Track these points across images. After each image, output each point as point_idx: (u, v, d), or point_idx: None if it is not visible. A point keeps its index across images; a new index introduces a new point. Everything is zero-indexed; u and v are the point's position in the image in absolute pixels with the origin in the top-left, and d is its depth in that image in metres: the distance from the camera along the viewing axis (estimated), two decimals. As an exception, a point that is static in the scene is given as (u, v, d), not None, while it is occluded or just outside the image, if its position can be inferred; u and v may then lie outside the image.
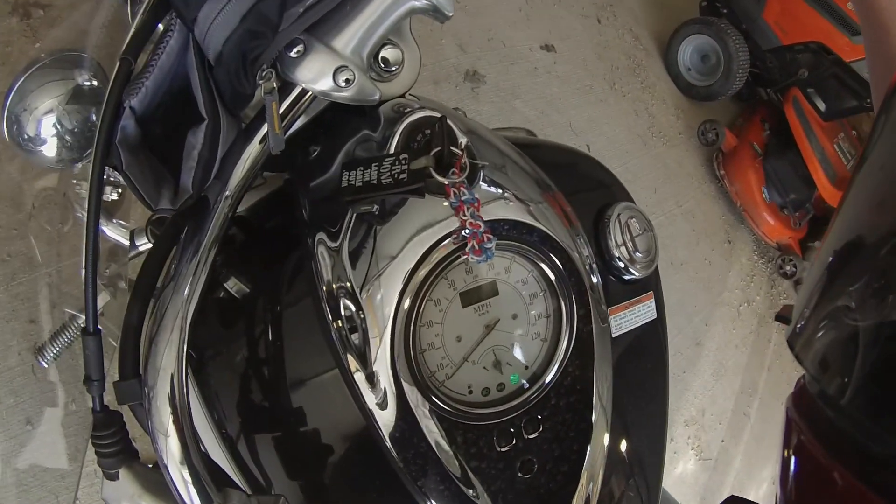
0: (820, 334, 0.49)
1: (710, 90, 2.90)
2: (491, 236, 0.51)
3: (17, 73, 0.63)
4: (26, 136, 0.64)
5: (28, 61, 0.63)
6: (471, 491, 0.54)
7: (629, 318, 0.69)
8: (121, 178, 0.50)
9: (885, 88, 0.72)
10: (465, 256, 0.51)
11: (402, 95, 0.62)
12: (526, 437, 0.56)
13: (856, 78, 2.47)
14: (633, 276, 0.68)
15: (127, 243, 0.71)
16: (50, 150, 0.66)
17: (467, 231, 0.50)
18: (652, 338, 0.72)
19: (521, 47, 2.77)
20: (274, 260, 0.64)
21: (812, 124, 2.60)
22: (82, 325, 0.51)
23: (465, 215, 0.50)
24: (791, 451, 0.50)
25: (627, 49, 3.00)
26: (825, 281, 0.49)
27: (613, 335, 0.67)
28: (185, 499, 0.45)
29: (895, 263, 0.42)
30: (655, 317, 0.71)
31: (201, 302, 0.54)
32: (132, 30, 0.49)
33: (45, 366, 0.81)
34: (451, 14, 0.56)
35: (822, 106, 2.58)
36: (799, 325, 0.51)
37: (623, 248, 0.67)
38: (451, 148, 0.53)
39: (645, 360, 0.72)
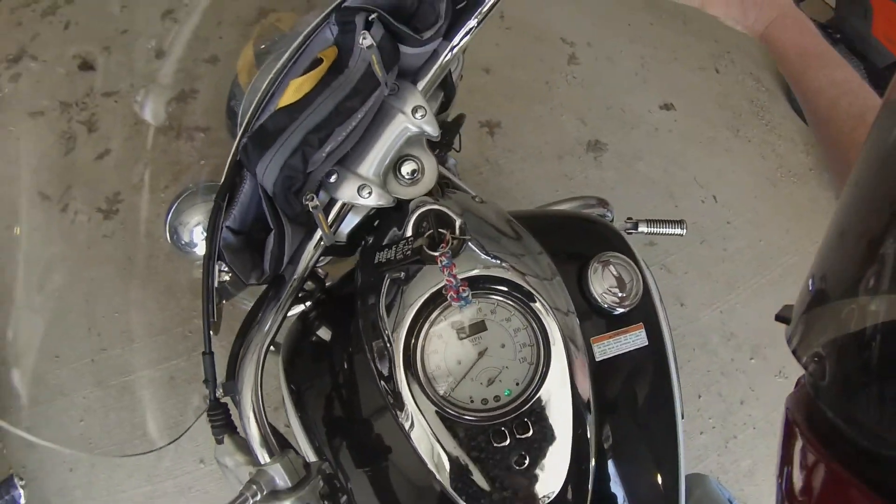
0: (819, 334, 0.49)
1: (837, 121, 2.84)
2: (466, 288, 0.73)
3: (174, 196, 0.95)
4: (183, 242, 0.94)
5: (180, 190, 0.94)
6: (473, 477, 0.75)
7: (614, 345, 0.85)
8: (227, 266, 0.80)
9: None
10: (450, 302, 0.74)
11: (430, 193, 0.88)
12: (518, 436, 0.75)
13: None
14: (619, 312, 0.86)
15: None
16: (201, 250, 0.96)
17: (448, 285, 0.73)
18: (646, 360, 0.87)
19: (640, 110, 2.92)
20: (347, 317, 0.90)
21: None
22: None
23: (445, 275, 0.73)
24: (791, 451, 0.51)
25: (749, 93, 3.03)
26: (824, 280, 0.50)
27: (599, 359, 0.84)
28: (258, 454, 0.72)
29: (894, 263, 0.41)
30: (646, 344, 0.87)
31: (298, 346, 0.85)
32: (222, 180, 0.79)
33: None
34: (436, 135, 0.81)
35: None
36: (799, 325, 0.52)
37: (604, 293, 0.85)
38: (440, 230, 0.77)
39: (640, 378, 0.87)
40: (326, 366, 0.90)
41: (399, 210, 0.85)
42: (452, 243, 0.76)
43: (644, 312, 0.88)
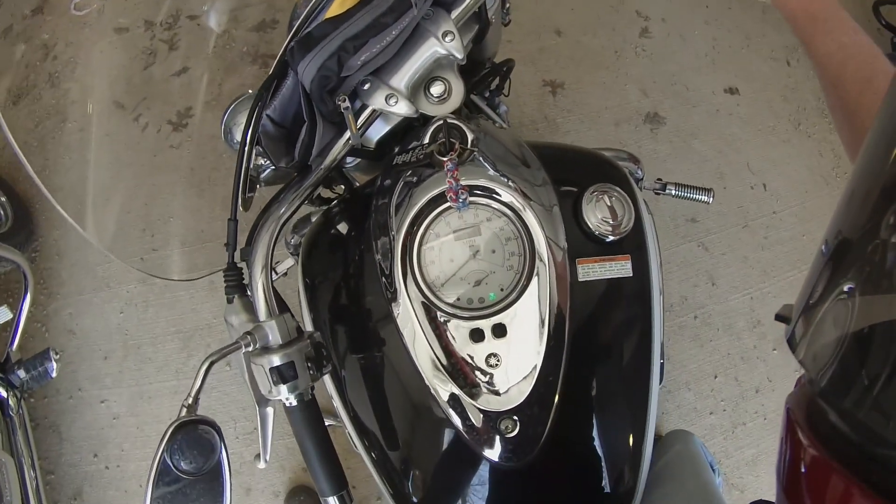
0: (819, 334, 0.50)
1: (902, 127, 2.78)
2: (465, 192, 0.82)
3: (230, 101, 1.05)
4: (235, 141, 1.05)
5: (235, 96, 1.05)
6: (449, 370, 0.84)
7: (598, 269, 0.91)
8: (262, 147, 0.92)
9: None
10: (449, 203, 0.83)
11: (456, 112, 0.96)
12: (494, 338, 0.84)
13: None
14: (609, 240, 0.92)
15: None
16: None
17: (448, 186, 0.82)
18: (629, 291, 0.93)
19: (704, 91, 2.92)
20: (366, 215, 1.00)
21: None
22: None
23: (447, 177, 0.82)
24: (791, 451, 0.51)
25: (817, 90, 2.96)
26: (824, 280, 0.50)
27: (581, 279, 0.91)
28: (259, 313, 0.82)
29: (894, 263, 0.42)
30: (631, 275, 0.92)
31: (319, 238, 0.97)
32: (270, 72, 0.90)
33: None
34: (460, 57, 0.90)
35: None
36: (798, 325, 0.52)
37: (594, 220, 0.91)
38: (451, 139, 0.86)
39: (619, 308, 0.93)
40: (340, 258, 1.00)
41: (424, 124, 0.94)
42: (462, 152, 0.85)
43: (633, 246, 0.94)
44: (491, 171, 0.87)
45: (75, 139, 2.67)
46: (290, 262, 1.25)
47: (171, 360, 2.37)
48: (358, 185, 1.08)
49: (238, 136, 1.04)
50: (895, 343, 0.42)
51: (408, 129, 1.01)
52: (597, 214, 0.92)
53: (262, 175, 1.02)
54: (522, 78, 2.89)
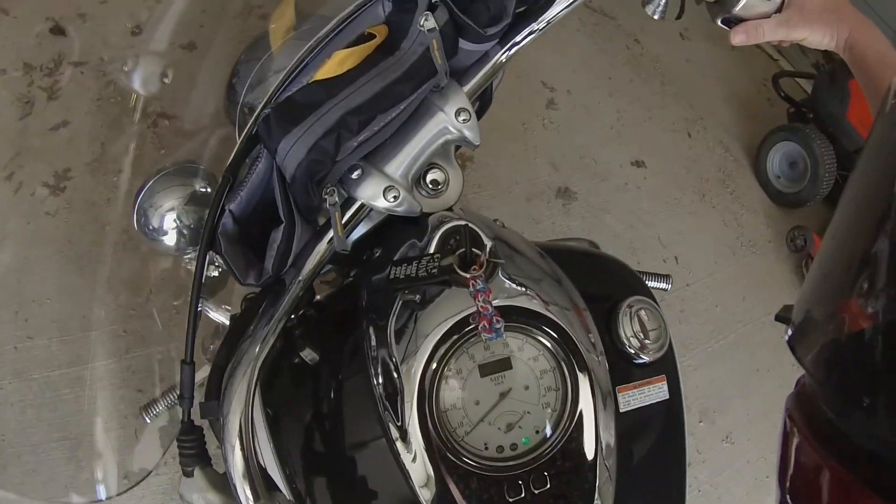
0: (819, 334, 0.49)
1: (798, 196, 2.91)
2: (500, 318, 0.63)
3: (147, 175, 0.82)
4: (151, 228, 0.82)
5: (157, 168, 0.82)
6: None
7: (638, 396, 0.78)
8: (220, 260, 0.68)
9: None
10: (480, 334, 0.64)
11: (451, 209, 0.79)
12: (534, 490, 0.66)
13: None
14: (643, 360, 0.78)
15: (227, 323, 0.89)
16: (170, 240, 0.84)
17: (480, 313, 0.64)
18: (664, 414, 0.80)
19: (612, 164, 2.92)
20: (341, 337, 0.80)
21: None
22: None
23: (478, 301, 0.64)
24: (790, 451, 0.50)
25: (717, 161, 3.08)
26: (824, 280, 0.50)
27: (622, 410, 0.76)
28: (241, 496, 0.60)
29: (894, 264, 0.41)
30: (668, 397, 0.80)
31: (277, 366, 0.72)
32: (232, 154, 0.68)
33: (148, 421, 0.98)
34: (478, 144, 0.73)
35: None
36: (798, 325, 0.51)
37: (632, 337, 0.78)
38: (474, 249, 0.68)
39: (658, 433, 0.80)
40: (310, 390, 0.78)
41: (416, 223, 0.76)
42: (487, 266, 0.67)
43: (666, 364, 0.81)
44: (516, 287, 0.69)
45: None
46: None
47: (58, 473, 1.97)
48: (325, 296, 0.87)
49: (155, 222, 0.82)
50: (895, 343, 0.41)
51: (389, 225, 0.81)
52: (635, 332, 0.77)
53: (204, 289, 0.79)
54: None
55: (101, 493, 0.87)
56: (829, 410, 0.46)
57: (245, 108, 0.90)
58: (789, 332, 0.52)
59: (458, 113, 0.71)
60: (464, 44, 0.70)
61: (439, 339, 0.66)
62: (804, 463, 0.49)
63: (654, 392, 0.79)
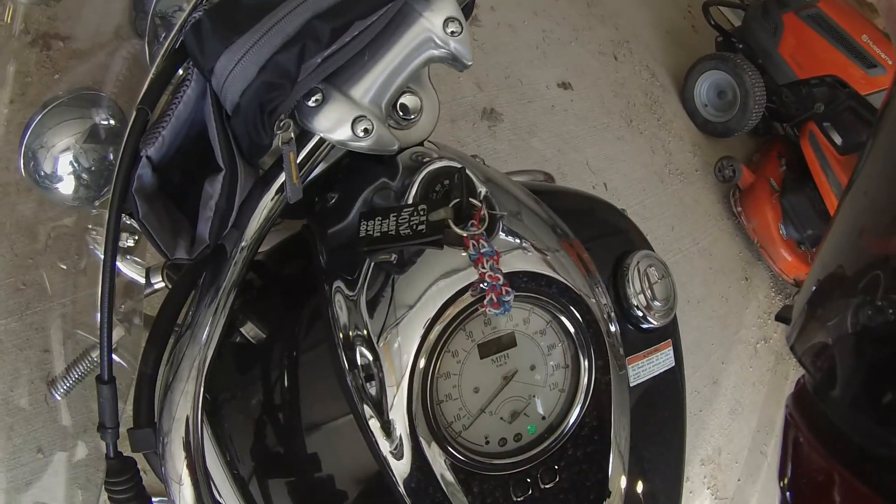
0: (819, 335, 0.50)
1: (726, 126, 2.90)
2: (509, 289, 0.50)
3: (35, 109, 0.63)
4: (43, 173, 0.63)
5: (46, 98, 0.63)
6: None
7: (647, 367, 0.68)
8: (137, 225, 0.50)
9: None
10: (484, 309, 0.50)
11: (421, 143, 0.63)
12: (542, 486, 0.55)
13: (872, 111, 2.46)
14: (652, 325, 0.68)
15: (142, 280, 0.71)
16: (67, 188, 0.65)
17: (486, 284, 0.49)
18: (670, 385, 0.71)
19: (539, 85, 2.79)
20: (291, 306, 0.65)
21: (829, 159, 2.58)
22: (95, 365, 0.51)
23: (483, 268, 0.49)
24: (791, 451, 0.51)
25: (644, 86, 3.01)
26: (824, 282, 0.50)
27: (631, 384, 0.66)
28: None
29: (893, 266, 0.42)
30: (674, 364, 0.70)
31: (218, 346, 0.55)
32: (149, 78, 0.49)
33: (58, 398, 0.80)
34: (470, 63, 0.57)
35: (838, 140, 2.56)
36: (799, 326, 0.52)
37: (641, 297, 0.67)
38: (471, 199, 0.53)
39: (663, 407, 0.71)
40: (257, 374, 0.63)
41: (382, 162, 0.60)
42: (486, 220, 0.53)
43: (673, 328, 0.71)
44: (524, 247, 0.56)
45: None
46: (119, 331, 0.82)
47: None
48: (266, 252, 0.70)
49: (48, 167, 0.63)
50: (894, 344, 0.41)
51: (346, 163, 0.65)
52: (646, 292, 0.65)
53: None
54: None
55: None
56: (828, 410, 0.46)
57: (158, 16, 0.69)
58: (789, 332, 0.53)
59: (446, 23, 0.54)
60: None
61: (432, 315, 0.52)
62: (804, 462, 0.49)
63: (662, 360, 0.70)
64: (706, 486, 2.40)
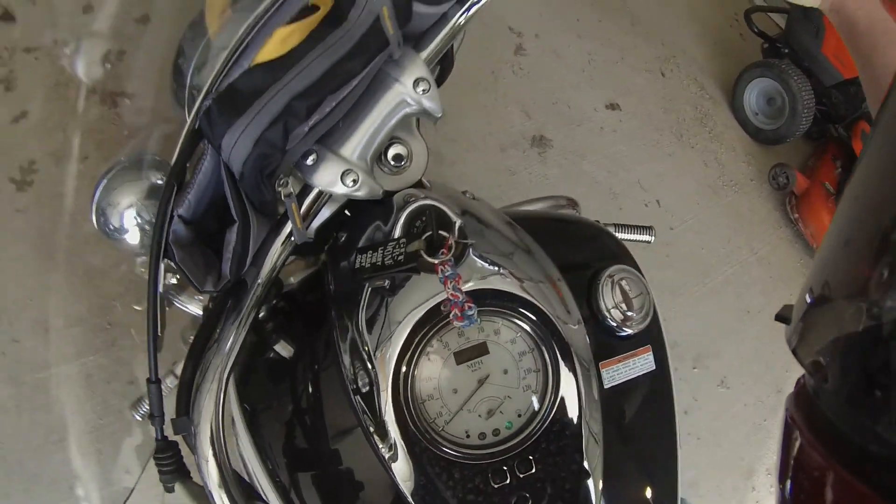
0: (819, 335, 0.49)
1: (778, 133, 2.88)
2: (472, 305, 0.60)
3: (107, 164, 0.77)
4: (112, 227, 0.77)
5: (110, 164, 0.77)
6: None
7: (623, 370, 0.76)
8: (175, 267, 0.63)
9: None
10: (451, 321, 0.61)
11: (419, 184, 0.74)
12: (519, 475, 0.64)
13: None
14: (627, 333, 0.76)
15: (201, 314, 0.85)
16: (133, 238, 0.78)
17: (451, 301, 0.60)
18: (653, 387, 0.78)
19: (586, 108, 2.86)
20: (312, 328, 0.76)
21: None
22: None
23: (448, 289, 0.60)
24: (790, 451, 0.51)
25: (693, 99, 3.03)
26: (824, 281, 0.50)
27: (608, 386, 0.74)
28: None
29: (892, 264, 0.41)
30: (654, 368, 0.77)
31: (252, 361, 0.68)
32: (175, 154, 0.63)
33: (139, 418, 0.95)
34: (439, 115, 0.68)
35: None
36: (798, 325, 0.51)
37: (614, 309, 0.75)
38: (440, 232, 0.64)
39: (648, 407, 0.78)
40: (287, 386, 0.76)
41: (381, 204, 0.71)
42: (455, 248, 0.63)
43: (652, 334, 0.79)
44: (489, 267, 0.66)
45: None
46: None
47: (61, 475, 1.93)
48: (287, 287, 0.83)
49: (115, 222, 0.77)
50: (893, 343, 0.41)
51: (353, 207, 0.77)
52: (617, 304, 0.74)
53: (172, 288, 0.75)
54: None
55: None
56: (828, 411, 0.46)
57: (193, 91, 0.84)
58: (789, 331, 0.53)
59: (416, 83, 0.66)
60: (419, 7, 0.64)
61: (411, 329, 0.63)
62: (804, 463, 0.49)
63: (640, 364, 0.77)
64: (772, 494, 2.37)
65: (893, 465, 0.41)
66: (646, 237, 1.16)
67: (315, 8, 0.61)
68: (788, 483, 0.51)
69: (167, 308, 0.72)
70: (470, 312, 0.60)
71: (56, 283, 1.89)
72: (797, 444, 0.49)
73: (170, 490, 0.61)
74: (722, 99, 3.07)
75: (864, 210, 0.47)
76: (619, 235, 1.14)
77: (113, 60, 1.92)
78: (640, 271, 0.80)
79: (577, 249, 0.82)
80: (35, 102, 2.04)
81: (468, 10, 0.69)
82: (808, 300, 0.50)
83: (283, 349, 0.76)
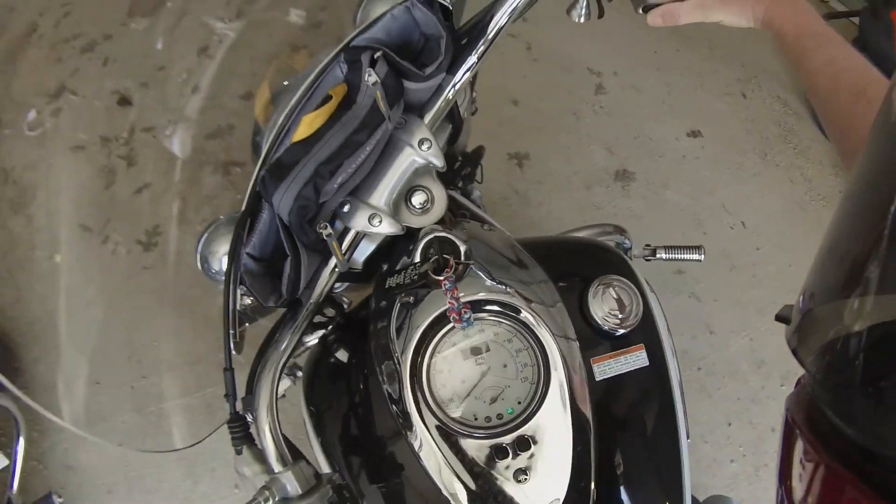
0: (819, 334, 0.50)
1: (865, 143, 2.81)
2: (468, 310, 0.78)
3: (204, 227, 1.00)
4: (213, 270, 0.99)
5: (211, 222, 0.99)
6: (476, 492, 0.79)
7: (614, 365, 0.88)
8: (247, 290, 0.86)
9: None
10: (453, 324, 0.78)
11: (441, 222, 0.92)
12: (518, 452, 0.79)
13: None
14: (616, 333, 0.89)
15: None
16: None
17: (450, 307, 0.78)
18: (648, 380, 0.90)
19: (668, 138, 2.95)
20: (363, 339, 0.95)
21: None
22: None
23: (448, 298, 0.77)
24: (791, 451, 0.52)
25: (776, 117, 3.03)
26: (823, 281, 0.50)
27: (599, 378, 0.87)
28: (272, 464, 0.79)
29: (892, 264, 0.42)
30: (647, 364, 0.89)
31: (318, 367, 0.94)
32: (242, 209, 0.85)
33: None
34: (440, 164, 0.87)
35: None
36: (798, 325, 0.52)
37: (602, 313, 0.88)
38: (444, 255, 0.82)
39: (646, 399, 0.90)
40: (343, 387, 0.95)
41: (411, 238, 0.90)
42: (456, 268, 0.81)
43: (645, 333, 0.91)
44: (489, 282, 0.83)
45: (46, 267, 2.58)
46: (286, 383, 1.19)
47: (178, 488, 2.25)
48: (349, 306, 1.03)
49: (216, 266, 1.00)
50: (895, 343, 0.42)
51: (394, 242, 0.96)
52: (604, 309, 0.88)
53: (250, 309, 0.97)
54: (487, 154, 2.84)
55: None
56: (829, 410, 0.47)
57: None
58: (789, 331, 0.54)
59: (420, 143, 0.85)
60: (411, 84, 0.84)
61: (423, 330, 0.81)
62: (805, 462, 0.49)
63: (632, 360, 0.89)
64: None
65: (893, 465, 0.41)
66: (695, 256, 1.27)
67: (330, 97, 0.82)
68: (789, 483, 0.52)
69: (248, 324, 0.94)
70: (466, 316, 0.78)
71: (180, 327, 2.22)
72: (797, 443, 0.51)
73: (238, 452, 0.81)
74: (805, 113, 3.04)
75: (861, 210, 0.47)
76: (668, 256, 1.27)
77: (223, 135, 2.25)
78: (635, 280, 0.93)
79: (578, 263, 0.97)
80: (155, 175, 2.40)
81: (455, 84, 0.87)
82: (808, 300, 0.51)
83: (342, 356, 0.97)
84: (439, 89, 0.88)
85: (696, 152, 2.92)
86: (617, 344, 0.90)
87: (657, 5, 0.93)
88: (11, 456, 1.90)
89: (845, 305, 0.46)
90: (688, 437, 0.93)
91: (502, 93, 3.03)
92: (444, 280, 0.78)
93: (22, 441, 1.91)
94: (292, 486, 0.75)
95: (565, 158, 2.86)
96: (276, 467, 0.78)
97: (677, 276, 2.58)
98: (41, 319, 2.30)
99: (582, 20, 0.96)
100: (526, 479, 0.78)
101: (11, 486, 1.88)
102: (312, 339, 1.00)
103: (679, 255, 1.28)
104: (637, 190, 2.80)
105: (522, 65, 3.13)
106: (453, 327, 0.81)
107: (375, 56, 0.81)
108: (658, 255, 1.28)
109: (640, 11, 0.96)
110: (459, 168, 1.42)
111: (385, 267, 0.94)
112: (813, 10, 0.90)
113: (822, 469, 0.46)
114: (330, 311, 1.01)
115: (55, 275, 2.35)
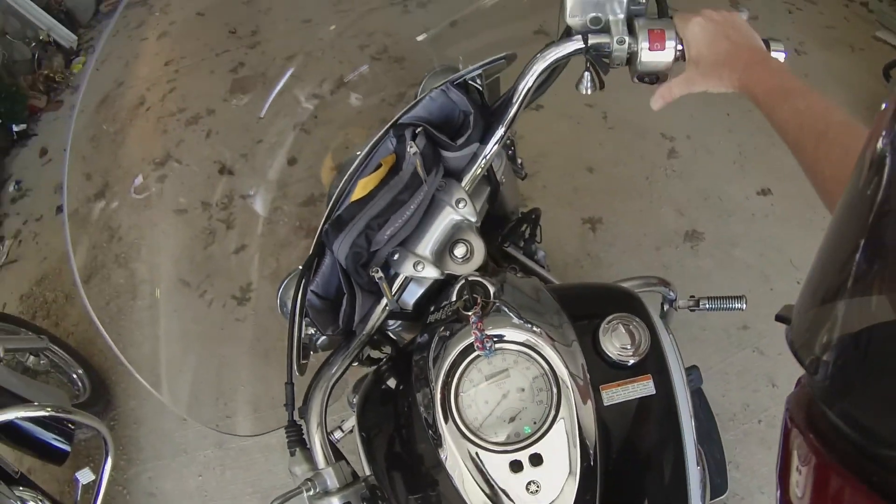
0: (819, 334, 0.49)
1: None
2: (490, 341, 0.93)
3: (282, 277, 1.20)
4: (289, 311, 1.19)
5: (287, 273, 1.19)
6: (495, 502, 0.91)
7: (622, 392, 0.98)
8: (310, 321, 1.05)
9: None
10: (477, 352, 0.94)
11: (480, 269, 1.09)
12: (532, 466, 0.91)
13: None
14: (624, 364, 1.00)
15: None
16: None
17: (475, 338, 0.94)
18: (655, 408, 0.99)
19: (737, 198, 3.02)
20: (410, 370, 1.11)
21: None
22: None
23: (473, 329, 0.93)
24: (791, 452, 0.52)
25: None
26: (824, 280, 0.50)
27: (608, 403, 0.98)
28: (318, 461, 0.94)
29: (892, 264, 0.42)
30: (654, 392, 0.99)
31: (372, 393, 1.09)
32: (310, 254, 1.05)
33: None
34: (474, 220, 1.04)
35: None
36: (798, 325, 0.52)
37: (612, 346, 1.00)
38: (474, 295, 0.98)
39: (653, 425, 1.00)
40: (390, 410, 1.10)
41: (451, 283, 1.07)
42: (483, 305, 0.97)
43: (654, 365, 1.02)
44: (514, 319, 0.97)
45: (145, 316, 2.88)
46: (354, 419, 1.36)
47: None
48: (403, 344, 1.20)
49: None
50: (894, 343, 0.42)
51: (441, 287, 1.13)
52: (613, 343, 1.01)
53: (318, 342, 1.15)
54: (561, 219, 3.03)
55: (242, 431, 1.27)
56: (829, 410, 0.46)
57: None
58: (789, 331, 0.54)
59: (457, 202, 1.03)
60: (448, 153, 1.02)
61: (454, 357, 0.96)
62: (805, 462, 0.49)
63: (639, 389, 0.99)
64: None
65: (893, 465, 0.41)
66: (737, 305, 1.37)
67: (380, 165, 1.01)
68: (788, 482, 0.52)
69: (312, 352, 1.12)
70: (489, 345, 0.93)
71: (267, 373, 2.43)
72: (798, 444, 0.50)
73: (292, 453, 0.97)
74: (876, 162, 3.02)
75: (858, 210, 0.47)
76: (712, 306, 1.38)
77: (315, 202, 2.50)
78: (645, 317, 1.04)
79: (596, 304, 1.09)
80: (251, 237, 2.65)
81: (489, 151, 1.05)
82: (808, 300, 0.51)
83: (392, 384, 1.13)
84: (474, 157, 1.05)
85: (766, 210, 2.97)
86: (625, 374, 1.01)
87: (648, 74, 1.05)
88: (98, 474, 2.07)
89: (845, 305, 0.46)
90: (698, 464, 1.02)
91: (578, 161, 3.21)
92: (471, 314, 0.94)
93: (109, 462, 2.07)
94: (332, 480, 0.92)
95: (637, 221, 2.98)
96: (321, 465, 0.95)
97: (742, 332, 2.61)
98: (136, 361, 2.57)
99: (588, 92, 1.10)
100: (538, 490, 0.90)
101: (95, 502, 2.04)
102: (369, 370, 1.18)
103: (721, 305, 1.37)
104: (706, 249, 2.87)
105: (598, 133, 3.30)
106: (479, 355, 0.96)
107: (416, 131, 1.00)
108: (702, 306, 1.37)
109: (635, 80, 1.07)
110: (515, 227, 1.58)
111: (431, 308, 1.11)
112: (784, 67, 0.98)
113: (822, 469, 0.47)
114: (387, 349, 1.19)
115: (153, 322, 2.60)
